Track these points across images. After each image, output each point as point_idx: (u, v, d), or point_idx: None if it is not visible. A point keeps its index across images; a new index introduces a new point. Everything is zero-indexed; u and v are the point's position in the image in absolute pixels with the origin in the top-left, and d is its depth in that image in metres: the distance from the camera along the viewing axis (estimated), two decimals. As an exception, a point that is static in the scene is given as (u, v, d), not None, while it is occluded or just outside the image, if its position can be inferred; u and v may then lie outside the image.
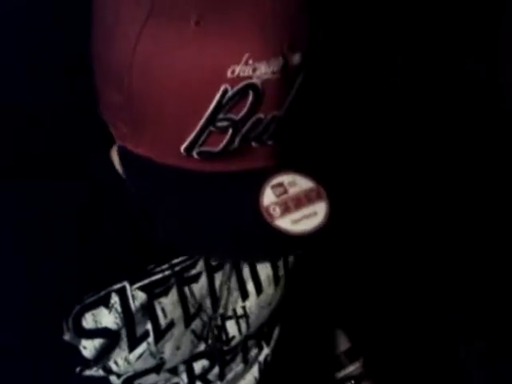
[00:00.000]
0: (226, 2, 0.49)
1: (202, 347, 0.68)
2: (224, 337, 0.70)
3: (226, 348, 0.70)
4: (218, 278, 0.67)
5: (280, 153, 0.54)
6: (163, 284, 0.63)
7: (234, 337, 0.70)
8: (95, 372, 0.63)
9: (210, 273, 0.66)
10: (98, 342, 0.60)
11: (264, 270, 0.70)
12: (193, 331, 0.67)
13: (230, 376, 0.72)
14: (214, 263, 0.66)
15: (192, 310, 0.66)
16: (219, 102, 0.49)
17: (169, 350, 0.65)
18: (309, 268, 0.80)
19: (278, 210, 0.52)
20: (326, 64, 0.56)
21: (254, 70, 0.49)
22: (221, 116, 0.50)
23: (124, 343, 0.62)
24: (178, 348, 0.66)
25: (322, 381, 0.91)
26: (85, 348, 0.60)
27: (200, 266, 0.66)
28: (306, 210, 0.52)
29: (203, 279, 0.66)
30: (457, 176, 1.19)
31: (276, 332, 0.76)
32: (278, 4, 0.50)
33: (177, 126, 0.50)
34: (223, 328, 0.70)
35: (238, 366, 0.73)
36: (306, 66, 0.52)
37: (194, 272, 0.65)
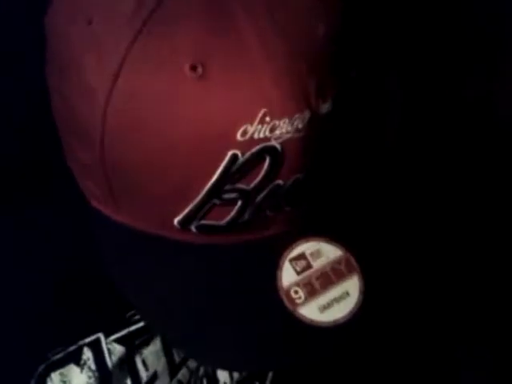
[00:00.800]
0: (233, 41, 0.36)
1: None
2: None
3: None
4: None
5: (299, 217, 0.44)
6: (144, 333, 0.54)
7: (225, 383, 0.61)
8: None
9: None
10: None
11: None
12: (179, 381, 0.58)
13: None
14: None
15: (177, 359, 0.57)
16: (226, 171, 0.38)
17: None
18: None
19: (301, 294, 0.41)
20: (358, 106, 0.44)
21: (273, 129, 0.37)
22: (228, 187, 0.39)
23: None
24: None
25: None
26: None
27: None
28: (335, 290, 0.41)
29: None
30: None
31: (271, 373, 0.68)
32: (303, 38, 0.37)
33: (168, 199, 0.39)
34: (213, 375, 0.61)
35: None
36: (337, 112, 0.40)
37: None
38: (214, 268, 0.42)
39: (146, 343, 0.54)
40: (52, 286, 0.50)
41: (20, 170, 0.52)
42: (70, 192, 0.48)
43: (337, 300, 0.41)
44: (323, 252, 0.42)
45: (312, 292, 0.41)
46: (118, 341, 0.52)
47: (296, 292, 0.41)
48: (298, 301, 0.41)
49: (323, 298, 0.41)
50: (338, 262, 0.42)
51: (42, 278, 0.49)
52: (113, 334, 0.52)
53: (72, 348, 0.50)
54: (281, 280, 0.41)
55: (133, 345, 0.53)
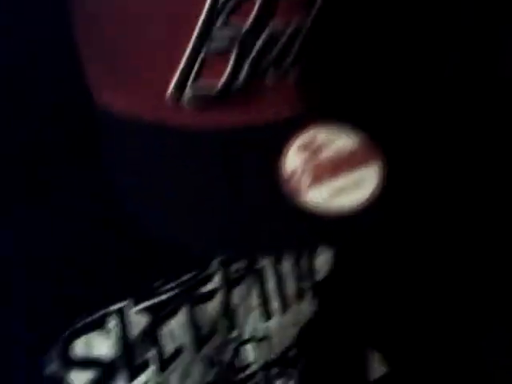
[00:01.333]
0: None
1: (214, 376, 0.58)
2: (239, 363, 0.59)
3: (243, 375, 0.59)
4: (237, 293, 0.56)
5: (307, 96, 0.38)
6: (170, 304, 0.52)
7: (252, 363, 0.59)
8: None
9: (228, 288, 0.55)
10: (90, 375, 0.50)
11: (291, 283, 0.59)
12: (205, 357, 0.56)
13: None
14: (233, 276, 0.55)
15: (204, 333, 0.55)
16: (212, 7, 0.33)
17: (175, 380, 0.54)
18: (344, 274, 0.68)
19: (306, 179, 0.36)
20: None
21: None
22: (217, 30, 0.34)
23: (122, 375, 0.51)
24: (187, 376, 0.55)
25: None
26: (73, 382, 0.50)
27: (216, 279, 0.54)
28: (348, 178, 0.36)
29: (220, 296, 0.55)
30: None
31: (304, 359, 0.65)
32: None
33: (156, 58, 0.36)
34: (239, 353, 0.59)
35: None
36: None
37: (208, 288, 0.54)
38: (211, 152, 0.38)
39: (173, 314, 0.52)
40: (78, 250, 0.48)
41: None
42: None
43: (350, 187, 0.36)
44: (336, 139, 0.38)
45: (319, 177, 0.36)
46: (144, 310, 0.50)
47: (300, 178, 0.37)
48: (301, 186, 0.36)
49: (333, 184, 0.36)
50: (354, 149, 0.38)
51: (68, 239, 0.47)
52: (139, 303, 0.50)
53: (97, 315, 0.49)
54: (284, 165, 0.36)
55: (159, 316, 0.51)
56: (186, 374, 0.55)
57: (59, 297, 0.47)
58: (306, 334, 0.63)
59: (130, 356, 0.50)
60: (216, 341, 0.56)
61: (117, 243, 0.48)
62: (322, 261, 0.61)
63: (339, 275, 0.64)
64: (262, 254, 0.54)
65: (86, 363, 0.49)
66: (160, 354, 0.52)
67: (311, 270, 0.61)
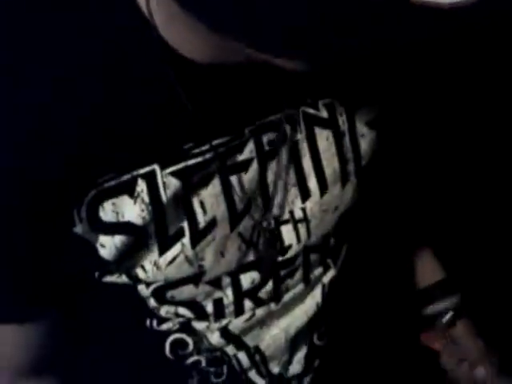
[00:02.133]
0: None
1: (251, 257, 0.55)
2: (279, 245, 0.56)
3: (281, 259, 0.56)
4: (272, 169, 0.53)
5: None
6: (203, 170, 0.49)
7: (290, 245, 0.56)
8: (117, 278, 0.51)
9: (263, 161, 0.52)
10: (119, 240, 0.48)
11: (331, 161, 0.56)
12: (240, 235, 0.53)
13: (286, 297, 0.59)
14: (266, 148, 0.52)
15: (239, 208, 0.52)
16: None
17: (210, 257, 0.52)
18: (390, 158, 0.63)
19: None
20: None
21: None
22: None
23: (153, 243, 0.49)
24: (221, 255, 0.53)
25: (401, 314, 0.77)
26: (103, 246, 0.47)
27: (249, 149, 0.51)
28: None
29: (254, 167, 0.52)
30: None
31: (345, 248, 0.62)
32: None
33: None
34: (278, 234, 0.56)
35: (296, 286, 0.59)
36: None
37: (241, 158, 0.51)
38: None
39: (205, 183, 0.50)
40: (106, 109, 0.46)
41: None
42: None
43: None
44: None
45: None
46: (174, 174, 0.48)
47: None
48: None
49: None
50: None
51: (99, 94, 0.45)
52: (169, 166, 0.48)
53: (125, 177, 0.47)
54: None
55: (190, 181, 0.49)
56: (221, 252, 0.52)
57: (84, 156, 0.45)
58: (347, 222, 0.60)
59: (161, 223, 0.48)
60: (252, 219, 0.53)
61: (144, 96, 0.46)
62: (366, 143, 0.57)
63: (385, 160, 0.61)
64: None
65: (116, 227, 0.47)
66: (192, 224, 0.50)
67: (356, 151, 0.57)
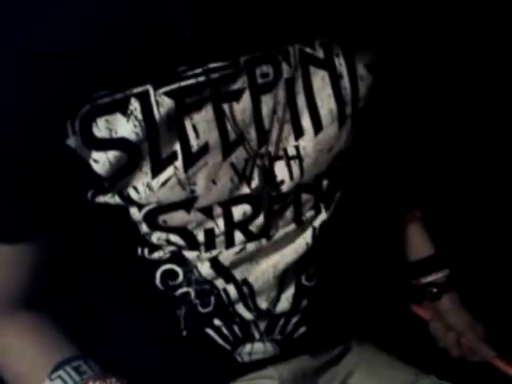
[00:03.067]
0: None
1: (243, 190, 0.56)
2: (271, 180, 0.57)
3: (273, 193, 0.57)
4: (266, 102, 0.54)
5: None
6: (196, 93, 0.50)
7: (283, 181, 0.57)
8: (110, 199, 0.52)
9: (256, 93, 0.53)
10: (112, 155, 0.49)
11: (326, 102, 0.57)
12: (233, 165, 0.54)
13: (277, 235, 0.60)
14: (260, 81, 0.53)
15: (232, 137, 0.53)
16: None
17: (202, 183, 0.53)
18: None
19: None
20: None
21: None
22: None
23: (146, 164, 0.50)
24: (213, 182, 0.54)
25: (389, 280, 0.78)
26: (96, 162, 0.49)
27: (242, 80, 0.52)
28: None
29: (246, 99, 0.53)
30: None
31: (338, 195, 0.63)
32: None
33: None
34: (271, 169, 0.57)
35: (288, 225, 0.60)
36: None
37: (234, 87, 0.52)
38: None
39: (198, 107, 0.51)
40: (106, 27, 0.47)
41: None
42: None
43: None
44: None
45: None
46: (167, 94, 0.49)
47: None
48: None
49: None
50: None
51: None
52: (162, 86, 0.49)
53: (119, 96, 0.48)
54: None
55: (183, 102, 0.50)
56: (213, 180, 0.53)
57: (82, 69, 0.46)
58: (341, 166, 0.61)
59: (154, 143, 0.50)
60: (246, 152, 0.54)
61: (143, 18, 0.47)
62: (365, 86, 0.58)
63: (382, 106, 0.61)
64: None
65: (109, 143, 0.48)
66: (185, 147, 0.51)
67: (354, 94, 0.58)
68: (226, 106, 0.52)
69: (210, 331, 0.62)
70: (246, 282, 0.60)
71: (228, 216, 0.56)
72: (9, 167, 0.49)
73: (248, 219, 0.57)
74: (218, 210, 0.55)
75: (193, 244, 0.56)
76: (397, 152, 0.71)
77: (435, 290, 0.77)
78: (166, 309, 0.60)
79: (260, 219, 0.57)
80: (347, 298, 0.69)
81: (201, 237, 0.56)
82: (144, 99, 0.48)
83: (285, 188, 0.57)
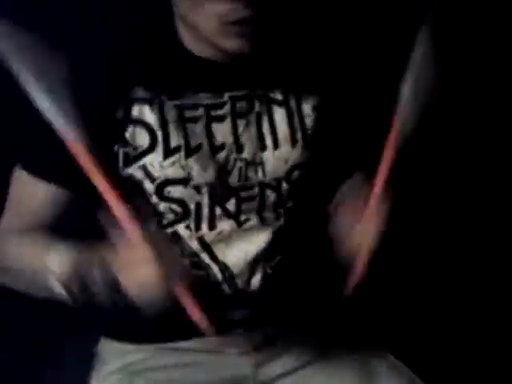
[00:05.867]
0: None
1: (227, 178, 0.85)
2: (243, 179, 0.86)
3: (244, 183, 0.86)
4: (241, 124, 0.85)
5: None
6: (193, 110, 0.82)
7: (251, 178, 0.87)
8: (135, 171, 0.82)
9: (234, 117, 0.85)
10: (139, 134, 0.81)
11: (282, 129, 0.87)
12: (218, 161, 0.85)
13: (247, 225, 0.88)
14: (238, 110, 0.85)
15: (217, 143, 0.84)
16: None
17: (196, 168, 0.83)
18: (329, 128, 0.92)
19: None
20: None
21: None
22: None
23: (160, 148, 0.81)
24: (204, 170, 0.84)
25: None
26: (131, 135, 0.81)
27: (226, 109, 0.84)
28: None
29: (228, 120, 0.84)
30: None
31: (293, 204, 0.90)
32: None
33: None
34: (243, 170, 0.87)
35: (253, 218, 0.88)
36: None
37: (220, 112, 0.84)
38: None
39: (194, 120, 0.84)
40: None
41: None
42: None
43: None
44: None
45: None
46: (175, 106, 0.83)
47: None
48: None
49: None
50: None
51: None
52: (172, 100, 0.83)
53: (149, 94, 0.82)
54: None
55: (183, 115, 0.84)
56: (204, 168, 0.84)
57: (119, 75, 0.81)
58: (298, 173, 0.89)
59: (165, 134, 0.82)
60: (228, 155, 0.85)
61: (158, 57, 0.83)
62: (310, 120, 0.88)
63: (325, 127, 0.90)
64: None
65: (141, 124, 0.81)
66: (186, 143, 0.82)
67: (302, 124, 0.88)
68: (213, 124, 0.84)
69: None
70: (225, 265, 0.88)
71: (211, 194, 0.85)
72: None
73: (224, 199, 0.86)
74: (204, 189, 0.85)
75: (187, 213, 0.85)
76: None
77: None
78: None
79: (232, 202, 0.86)
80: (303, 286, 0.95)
81: (192, 207, 0.85)
82: (161, 103, 0.81)
83: (251, 181, 0.87)
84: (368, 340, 1.01)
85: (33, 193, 0.85)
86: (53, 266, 0.78)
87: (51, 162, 0.82)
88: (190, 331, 0.79)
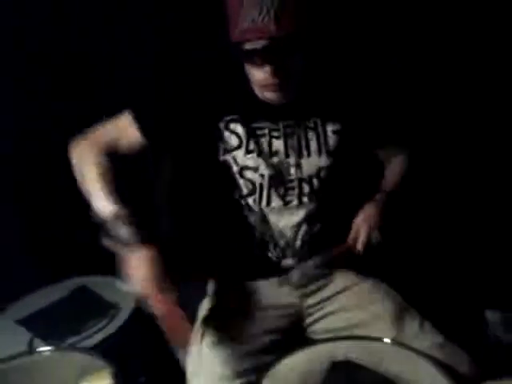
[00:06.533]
0: None
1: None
2: (287, 173, 1.46)
3: (288, 178, 1.46)
4: (288, 141, 1.44)
5: None
6: (262, 130, 1.43)
7: (293, 173, 1.46)
8: (228, 158, 1.43)
9: (285, 136, 1.43)
10: (232, 138, 1.41)
11: (313, 145, 1.47)
12: (274, 162, 1.44)
13: (290, 205, 1.47)
14: (287, 132, 1.44)
15: (274, 151, 1.44)
16: None
17: (262, 163, 1.43)
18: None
19: None
20: None
21: None
22: None
23: (243, 148, 1.42)
24: (266, 166, 1.43)
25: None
26: (227, 138, 1.42)
27: (280, 131, 1.43)
28: None
29: (281, 139, 1.43)
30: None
31: (320, 192, 1.49)
32: None
33: None
34: (289, 169, 1.46)
35: (294, 200, 1.47)
36: None
37: (276, 134, 1.43)
38: None
39: (259, 138, 1.47)
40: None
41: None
42: None
43: None
44: None
45: None
46: (243, 125, 1.44)
47: None
48: None
49: None
50: None
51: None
52: (250, 122, 1.45)
53: (229, 117, 1.45)
54: None
55: (254, 131, 1.45)
56: (266, 165, 1.43)
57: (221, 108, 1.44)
58: (325, 172, 1.46)
59: (247, 141, 1.42)
60: (280, 159, 1.44)
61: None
62: (332, 141, 1.48)
63: (342, 144, 1.48)
64: None
65: (234, 133, 1.42)
66: (257, 148, 1.42)
67: (326, 143, 1.46)
68: (273, 139, 1.43)
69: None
70: (277, 226, 1.46)
71: (269, 182, 1.43)
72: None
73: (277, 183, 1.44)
74: (266, 177, 1.42)
75: (254, 190, 1.43)
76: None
77: None
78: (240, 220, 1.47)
79: (282, 188, 1.44)
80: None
81: (258, 187, 1.43)
82: (245, 124, 1.41)
83: (292, 177, 1.45)
84: (369, 274, 1.54)
85: (127, 131, 1.41)
86: (95, 206, 1.31)
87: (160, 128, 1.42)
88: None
